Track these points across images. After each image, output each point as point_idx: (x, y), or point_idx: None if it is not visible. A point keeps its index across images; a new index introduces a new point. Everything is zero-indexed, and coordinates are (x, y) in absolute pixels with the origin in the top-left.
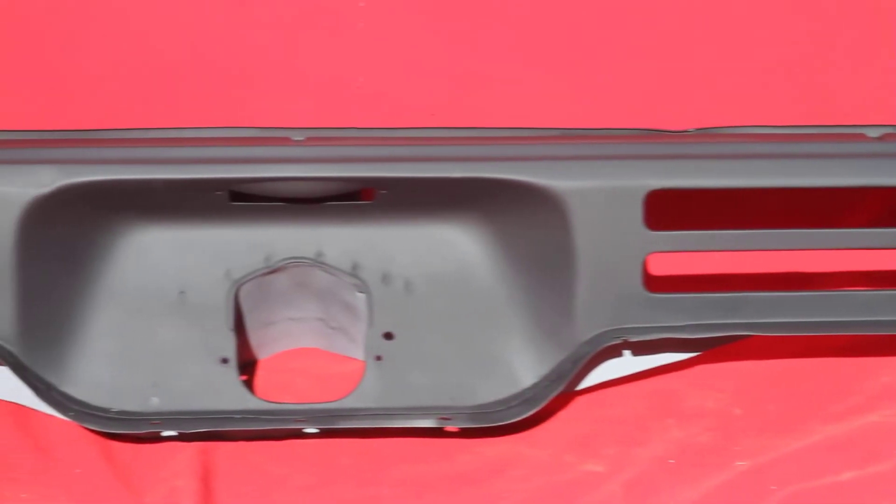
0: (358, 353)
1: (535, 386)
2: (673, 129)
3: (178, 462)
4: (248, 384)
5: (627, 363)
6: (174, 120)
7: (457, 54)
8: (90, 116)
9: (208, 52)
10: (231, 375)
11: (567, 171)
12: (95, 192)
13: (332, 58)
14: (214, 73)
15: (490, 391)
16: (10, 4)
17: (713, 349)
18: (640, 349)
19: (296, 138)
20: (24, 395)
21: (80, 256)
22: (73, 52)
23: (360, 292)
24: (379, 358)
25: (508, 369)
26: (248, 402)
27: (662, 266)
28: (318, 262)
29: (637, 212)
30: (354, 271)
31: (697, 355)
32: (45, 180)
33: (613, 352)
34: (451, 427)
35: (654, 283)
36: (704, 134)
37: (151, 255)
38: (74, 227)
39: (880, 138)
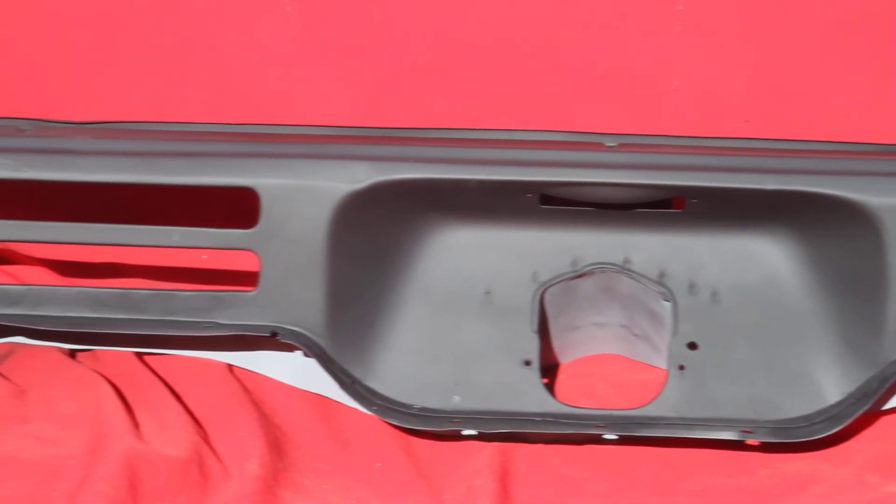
0: (660, 362)
1: (840, 403)
2: None
3: (477, 461)
4: (550, 387)
5: None
6: (481, 121)
7: (777, 60)
8: (403, 114)
9: (528, 52)
10: (533, 378)
11: (883, 187)
12: (408, 189)
13: (646, 60)
14: (532, 76)
15: (794, 406)
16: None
17: None
18: None
19: (608, 144)
20: (329, 387)
21: (389, 252)
22: (395, 51)
23: (666, 301)
24: (682, 367)
25: (813, 385)
26: (548, 405)
27: None
28: (624, 269)
29: None
30: (661, 279)
31: None
32: (360, 176)
33: None
34: (752, 441)
35: None
36: None
37: (459, 254)
38: (385, 224)
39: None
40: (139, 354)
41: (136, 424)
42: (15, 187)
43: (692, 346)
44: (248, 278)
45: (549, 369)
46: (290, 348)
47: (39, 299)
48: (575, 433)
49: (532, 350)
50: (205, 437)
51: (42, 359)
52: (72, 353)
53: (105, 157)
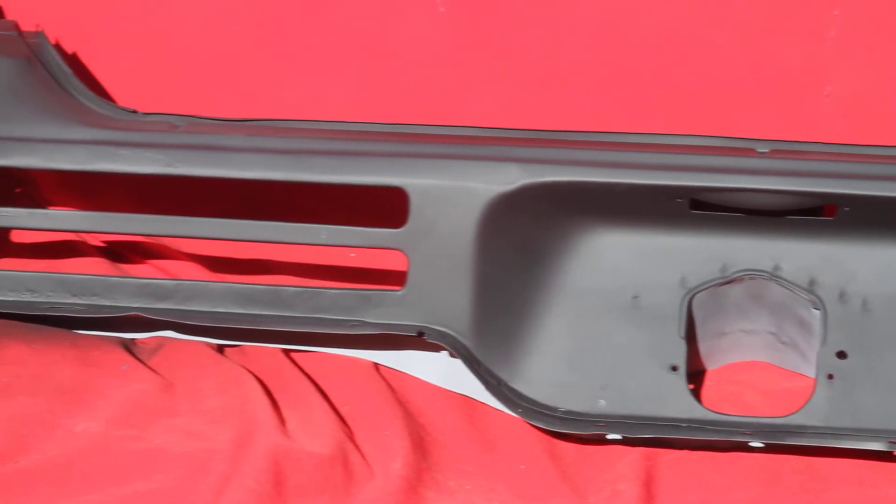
0: (808, 370)
1: None
2: None
3: (621, 466)
4: (696, 393)
5: None
6: (631, 124)
7: None
8: (554, 116)
9: (681, 55)
10: (679, 383)
11: None
12: (557, 192)
13: (800, 66)
14: (684, 79)
15: None
16: None
17: None
18: None
19: (760, 150)
20: (474, 388)
21: (537, 255)
22: (547, 52)
23: (816, 309)
24: (830, 377)
25: None
26: (694, 411)
27: None
28: (774, 276)
29: None
30: (811, 287)
31: None
32: (510, 178)
33: None
34: None
35: None
36: None
37: (607, 257)
38: (533, 226)
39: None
40: (286, 351)
41: (282, 421)
42: (167, 183)
43: (841, 354)
44: (394, 277)
45: (696, 375)
46: (435, 348)
47: (189, 294)
48: (721, 440)
49: (679, 355)
50: (350, 434)
51: (190, 353)
52: (220, 349)
53: (256, 155)
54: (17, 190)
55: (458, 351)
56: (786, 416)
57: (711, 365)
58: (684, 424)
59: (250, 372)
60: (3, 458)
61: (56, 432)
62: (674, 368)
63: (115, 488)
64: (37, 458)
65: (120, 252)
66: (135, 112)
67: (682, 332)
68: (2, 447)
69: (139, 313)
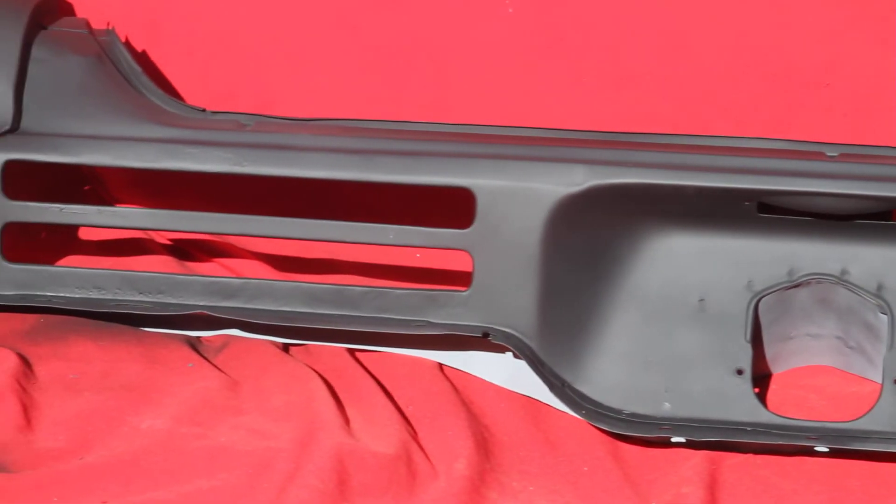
0: (875, 375)
1: None
2: None
3: (685, 469)
4: (761, 397)
5: None
6: (701, 126)
7: None
8: (621, 117)
9: (754, 59)
10: (745, 387)
11: None
12: (624, 194)
13: (870, 70)
14: (755, 83)
15: None
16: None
17: None
18: None
19: (829, 154)
20: (538, 389)
21: (603, 256)
22: (618, 53)
23: (883, 313)
24: None
25: None
26: (760, 415)
27: None
28: (842, 281)
29: None
30: (878, 292)
31: None
32: (577, 179)
33: None
34: None
35: None
36: None
37: (673, 260)
38: (599, 227)
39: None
40: (351, 350)
41: (346, 420)
42: (235, 182)
43: None
44: (458, 278)
45: (761, 379)
46: (500, 349)
47: (255, 293)
48: (786, 444)
49: (745, 359)
50: (414, 435)
51: (256, 352)
52: (285, 347)
53: (324, 154)
54: (86, 188)
55: (523, 352)
56: (851, 420)
57: (777, 369)
58: (749, 428)
59: (315, 371)
60: (69, 455)
61: (122, 429)
62: (739, 372)
63: (179, 486)
64: (102, 454)
65: (187, 250)
66: (203, 111)
67: (749, 335)
68: (68, 443)
69: (205, 311)
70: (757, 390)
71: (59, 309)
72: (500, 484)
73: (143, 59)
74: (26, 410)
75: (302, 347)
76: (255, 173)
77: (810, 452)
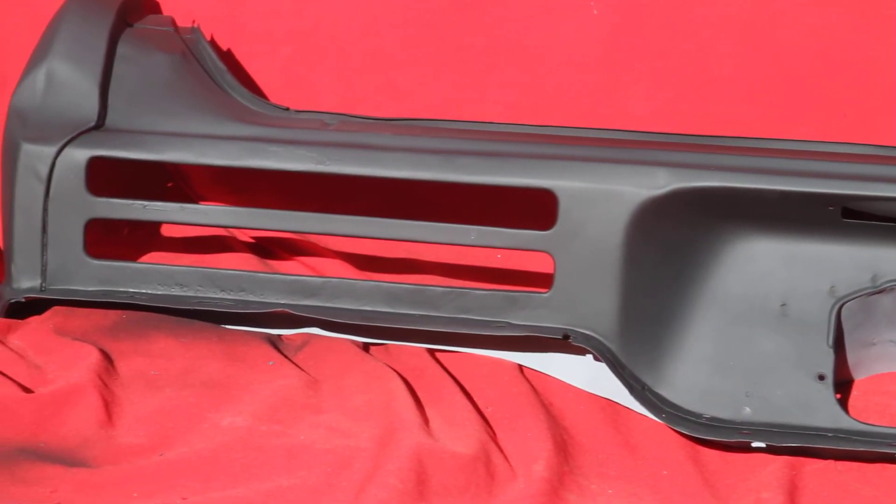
0: None
1: None
2: None
3: (765, 474)
4: (843, 403)
5: None
6: (779, 130)
7: None
8: (701, 121)
9: (839, 63)
10: (826, 393)
11: None
12: (707, 197)
13: None
14: (840, 88)
15: None
16: None
17: None
18: None
19: None
20: (618, 392)
21: (684, 260)
22: (698, 57)
23: None
24: None
25: None
26: (841, 421)
27: None
28: None
29: None
30: None
31: None
32: (660, 182)
33: None
34: None
35: None
36: None
37: (756, 264)
38: (681, 231)
39: None
40: (431, 351)
41: (425, 420)
42: (317, 180)
43: None
44: (538, 279)
45: (843, 385)
46: (580, 351)
47: (336, 292)
48: (867, 451)
49: (826, 365)
50: (493, 436)
51: (336, 351)
52: (365, 347)
53: (406, 154)
54: (169, 185)
55: (603, 354)
56: None
57: (859, 375)
58: (830, 434)
59: (395, 371)
60: (150, 451)
61: (201, 426)
62: (821, 377)
63: (258, 483)
64: (182, 450)
65: (268, 248)
66: (287, 109)
67: (831, 341)
68: (148, 439)
69: (286, 310)
70: (839, 396)
71: (141, 305)
72: (579, 486)
73: (227, 57)
74: (108, 406)
75: (382, 347)
76: (337, 172)
77: (892, 459)
